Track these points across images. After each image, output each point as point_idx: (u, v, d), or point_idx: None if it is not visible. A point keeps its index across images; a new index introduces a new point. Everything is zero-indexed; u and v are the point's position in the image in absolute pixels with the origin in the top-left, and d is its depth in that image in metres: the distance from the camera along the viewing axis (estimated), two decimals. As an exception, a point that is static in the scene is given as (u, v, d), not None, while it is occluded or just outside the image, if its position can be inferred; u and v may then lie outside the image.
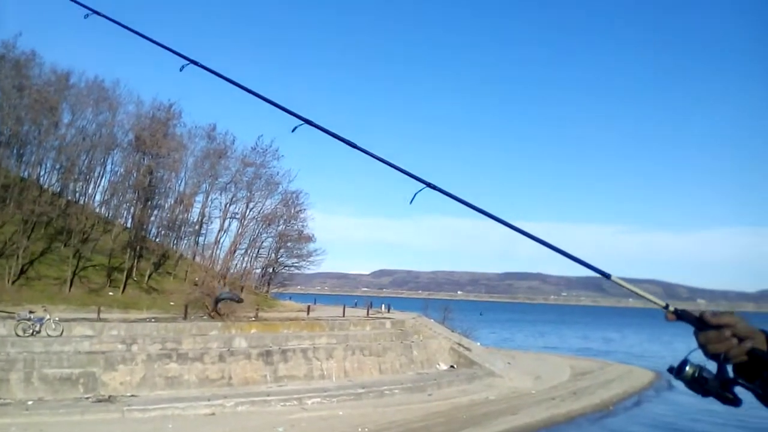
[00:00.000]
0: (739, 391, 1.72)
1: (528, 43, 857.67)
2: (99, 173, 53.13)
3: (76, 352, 25.34)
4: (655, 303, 1.91)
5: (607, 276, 2.11)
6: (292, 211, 61.07)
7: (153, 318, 34.02)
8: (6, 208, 42.29)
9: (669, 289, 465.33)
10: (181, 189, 56.53)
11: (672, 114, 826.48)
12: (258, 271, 63.43)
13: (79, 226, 44.06)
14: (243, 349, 29.29)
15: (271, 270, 64.34)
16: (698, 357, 1.73)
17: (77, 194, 51.43)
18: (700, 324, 1.73)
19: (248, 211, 58.58)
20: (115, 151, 52.48)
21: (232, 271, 56.10)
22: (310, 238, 62.99)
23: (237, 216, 58.49)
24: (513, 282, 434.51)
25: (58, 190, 49.98)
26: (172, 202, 56.09)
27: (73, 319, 29.70)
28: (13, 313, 28.33)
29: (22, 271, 39.83)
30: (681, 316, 1.78)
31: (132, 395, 24.63)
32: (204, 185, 57.10)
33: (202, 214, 58.00)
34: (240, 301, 36.92)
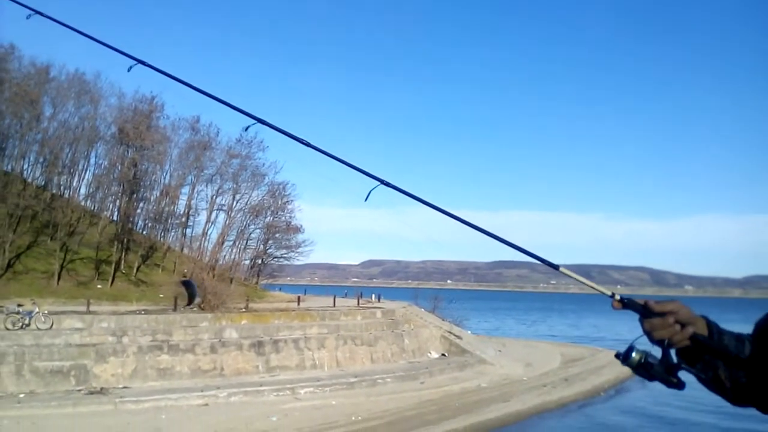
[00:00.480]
0: (682, 375, 1.78)
1: (509, 33, 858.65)
2: (83, 166, 52.59)
3: (67, 344, 25.13)
4: (601, 292, 1.94)
5: (555, 267, 2.17)
6: (279, 203, 60.89)
7: (143, 310, 33.82)
8: (-10, 203, 41.81)
9: (656, 276, 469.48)
10: (167, 181, 56.14)
11: (654, 102, 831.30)
12: (247, 262, 63.27)
13: (65, 219, 43.68)
14: (234, 340, 29.18)
15: (260, 261, 64.16)
16: (644, 343, 1.79)
17: (62, 187, 50.94)
18: (645, 311, 1.79)
19: (235, 202, 58.38)
20: (98, 144, 51.91)
21: (220, 262, 55.90)
22: (298, 229, 62.90)
23: (224, 208, 58.25)
24: (502, 270, 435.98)
25: (43, 183, 49.45)
26: (158, 194, 55.67)
27: (63, 312, 29.46)
28: (2, 306, 28.01)
29: (9, 265, 39.43)
30: (627, 304, 1.83)
31: (124, 387, 24.48)
32: (189, 177, 56.77)
33: (188, 206, 57.66)
34: (194, 295, 36.80)
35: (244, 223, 60.15)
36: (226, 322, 31.20)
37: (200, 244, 58.29)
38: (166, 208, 56.50)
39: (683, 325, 1.75)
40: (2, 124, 45.68)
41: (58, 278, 40.40)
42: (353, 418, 23.12)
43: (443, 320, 46.43)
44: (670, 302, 1.79)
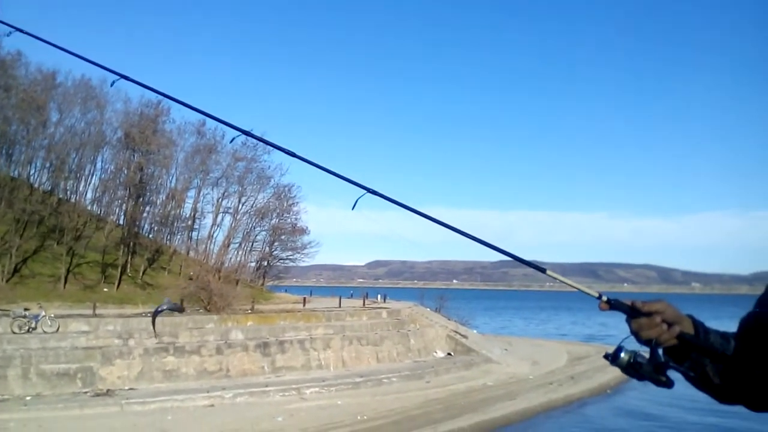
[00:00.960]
0: (671, 374, 1.79)
1: (509, 31, 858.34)
2: (89, 171, 53.02)
3: (73, 347, 25.27)
4: (587, 293, 1.95)
5: (542, 270, 2.18)
6: (285, 205, 61.11)
7: (149, 313, 33.90)
8: (-2, 208, 42.11)
9: (664, 274, 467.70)
10: (173, 185, 56.52)
11: (657, 99, 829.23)
12: (252, 264, 63.53)
13: (72, 223, 43.92)
14: (240, 342, 29.26)
15: (265, 263, 64.36)
16: (632, 344, 1.80)
17: (68, 192, 51.27)
18: (632, 312, 1.80)
19: (241, 205, 58.66)
20: (104, 149, 52.34)
21: (226, 265, 56.07)
22: (304, 231, 63.10)
23: (230, 210, 58.55)
24: (508, 270, 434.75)
25: (49, 188, 49.80)
26: (164, 198, 56.07)
27: (69, 316, 29.59)
28: (8, 310, 28.20)
29: (16, 270, 39.70)
30: (614, 305, 1.84)
31: (130, 389, 24.58)
32: (195, 180, 57.13)
33: (194, 210, 58.01)
34: (182, 310, 36.45)
35: (250, 225, 60.47)
36: (232, 323, 31.30)
37: (206, 247, 58.61)
38: (172, 212, 56.81)
39: (670, 325, 1.76)
40: (9, 130, 46.02)
41: (65, 282, 40.63)
42: (359, 417, 23.15)
43: (449, 320, 46.46)
44: (656, 302, 1.80)
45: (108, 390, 24.05)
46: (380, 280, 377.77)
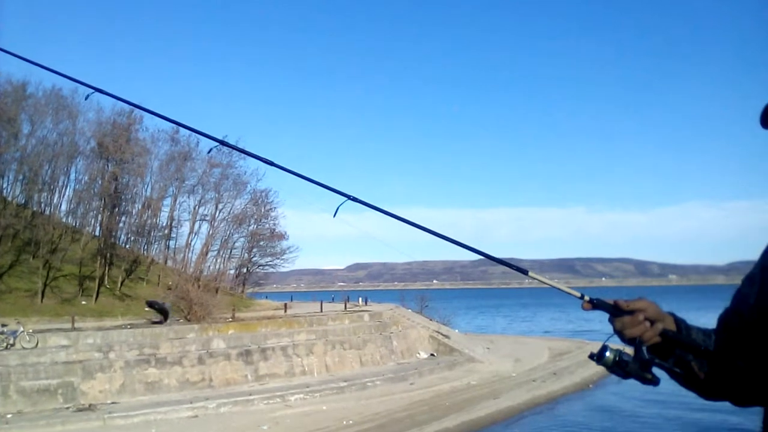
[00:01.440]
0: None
1: (489, 31, 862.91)
2: (63, 182, 52.16)
3: (53, 362, 24.96)
4: (570, 293, 1.98)
5: (525, 272, 2.23)
6: (263, 210, 60.84)
7: (129, 324, 33.65)
8: (-30, 223, 41.44)
9: (641, 267, 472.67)
10: (148, 194, 55.85)
11: (631, 92, 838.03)
12: (232, 271, 63.09)
13: (47, 236, 43.35)
14: (222, 350, 29.10)
15: (245, 270, 64.03)
16: (616, 342, 1.84)
17: (42, 205, 50.48)
18: (614, 311, 1.83)
19: (218, 212, 58.23)
20: (78, 159, 51.55)
21: (205, 273, 55.69)
22: (282, 236, 62.86)
23: (207, 218, 58.10)
24: (487, 268, 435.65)
25: (23, 201, 49.04)
26: (140, 207, 55.38)
27: (48, 330, 29.24)
28: (-15, 327, 27.75)
29: (-9, 285, 39.12)
30: (596, 304, 1.87)
31: (113, 402, 24.34)
32: (171, 189, 56.55)
33: (171, 218, 57.48)
34: (166, 315, 36.12)
35: (228, 232, 60.03)
36: (213, 332, 31.11)
37: (184, 256, 58.14)
38: (149, 221, 56.27)
39: (653, 322, 1.79)
40: (-20, 143, 45.30)
41: (42, 296, 40.09)
42: (344, 422, 23.15)
43: (431, 320, 46.59)
44: (638, 300, 1.82)
45: (90, 405, 23.80)
46: (361, 283, 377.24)
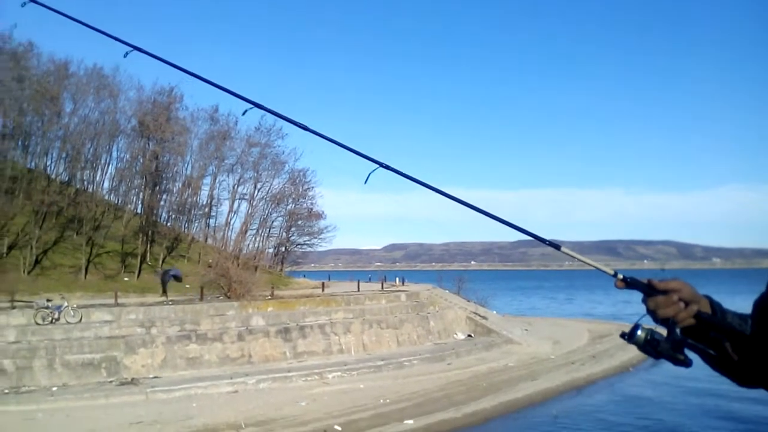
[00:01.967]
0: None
1: (521, 13, 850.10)
2: (105, 160, 53.13)
3: (97, 337, 25.48)
4: (603, 271, 1.93)
5: (557, 247, 2.16)
6: (301, 190, 61.10)
7: (170, 301, 34.14)
8: (16, 200, 42.33)
9: (684, 249, 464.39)
10: (188, 172, 56.60)
11: (669, 75, 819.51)
12: (270, 250, 63.70)
13: (90, 213, 44.15)
14: (261, 327, 29.39)
15: (283, 249, 64.54)
16: (649, 323, 1.79)
17: (85, 182, 51.46)
18: (648, 290, 1.78)
19: (256, 191, 58.62)
20: (119, 138, 52.41)
21: (244, 251, 56.22)
22: (320, 216, 63.11)
23: (246, 197, 58.53)
24: (527, 249, 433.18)
25: (66, 179, 50.02)
26: (180, 186, 56.10)
27: (91, 306, 29.86)
28: (31, 302, 28.44)
29: (37, 261, 40.02)
30: (630, 283, 1.82)
31: (155, 377, 24.78)
32: (210, 167, 57.12)
33: (210, 197, 58.10)
34: (180, 279, 37.85)
35: (266, 211, 60.48)
36: (253, 309, 31.40)
37: (224, 234, 58.77)
38: (189, 199, 56.95)
39: (687, 303, 1.74)
40: (24, 121, 46.17)
41: (86, 272, 40.93)
42: (381, 401, 23.18)
43: (468, 301, 46.39)
44: (672, 280, 1.78)
45: (132, 379, 24.25)
46: (397, 264, 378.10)
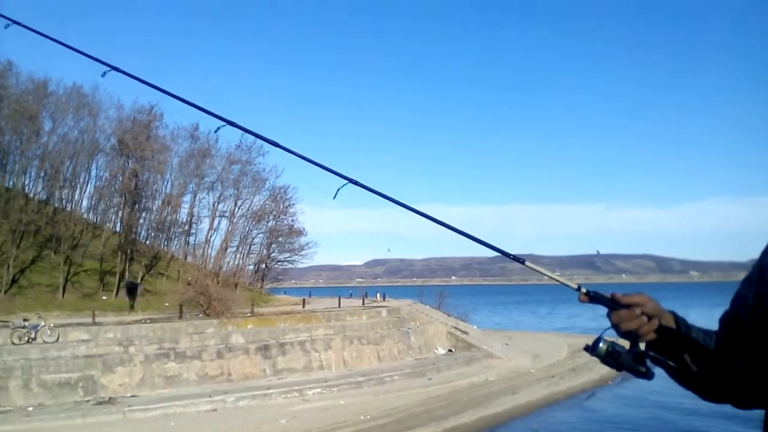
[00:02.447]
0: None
1: (503, 28, 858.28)
2: (84, 179, 52.82)
3: (74, 356, 25.21)
4: (566, 285, 1.96)
5: (522, 261, 2.17)
6: (281, 207, 61.16)
7: (148, 319, 33.90)
8: (-7, 219, 41.97)
9: (662, 263, 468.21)
10: (168, 190, 56.40)
11: (650, 89, 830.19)
12: (251, 267, 63.56)
13: (68, 232, 43.85)
14: (240, 345, 29.24)
15: (263, 266, 64.33)
16: (612, 335, 1.80)
17: (64, 201, 51.12)
18: (612, 304, 1.80)
19: (237, 208, 58.61)
20: (98, 156, 52.17)
21: (224, 268, 56.03)
22: (301, 232, 63.11)
23: (226, 214, 58.49)
24: (506, 264, 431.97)
25: (45, 198, 49.66)
26: (160, 203, 55.90)
27: (68, 325, 29.56)
28: (8, 321, 28.13)
29: (14, 280, 39.62)
30: (593, 297, 1.85)
31: (132, 396, 24.55)
32: (191, 185, 57.00)
33: (190, 214, 57.90)
34: (136, 287, 38.32)
35: (247, 228, 60.44)
36: (232, 327, 31.26)
37: (204, 252, 58.59)
38: (169, 217, 56.70)
39: (650, 317, 1.75)
40: (2, 140, 45.92)
41: (63, 291, 40.57)
42: (362, 417, 23.14)
43: (449, 316, 46.51)
44: (636, 294, 1.79)
45: (110, 398, 24.01)
46: (379, 279, 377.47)
